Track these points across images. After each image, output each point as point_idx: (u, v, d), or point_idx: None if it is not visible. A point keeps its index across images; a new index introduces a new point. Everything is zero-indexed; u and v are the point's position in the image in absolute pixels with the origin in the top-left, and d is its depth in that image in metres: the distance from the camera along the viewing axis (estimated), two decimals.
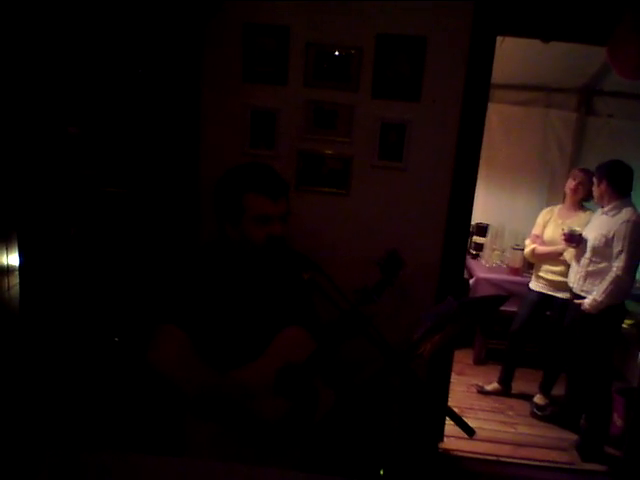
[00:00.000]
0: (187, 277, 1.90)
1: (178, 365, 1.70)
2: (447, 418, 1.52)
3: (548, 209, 4.03)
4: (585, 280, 3.34)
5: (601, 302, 3.15)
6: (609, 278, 3.14)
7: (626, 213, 3.17)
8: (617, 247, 3.14)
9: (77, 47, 2.27)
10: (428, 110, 2.65)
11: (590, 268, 3.30)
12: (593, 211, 3.62)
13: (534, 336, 4.10)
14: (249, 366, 1.76)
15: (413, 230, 2.75)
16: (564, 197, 3.99)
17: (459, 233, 2.79)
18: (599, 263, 3.25)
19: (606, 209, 3.31)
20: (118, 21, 2.25)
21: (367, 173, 2.72)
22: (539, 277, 3.91)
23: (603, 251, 3.22)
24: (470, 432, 1.44)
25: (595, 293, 3.20)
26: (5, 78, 2.34)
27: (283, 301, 1.97)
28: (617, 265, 3.12)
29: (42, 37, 2.24)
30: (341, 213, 2.75)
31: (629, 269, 3.12)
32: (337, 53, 2.62)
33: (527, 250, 3.98)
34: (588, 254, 3.32)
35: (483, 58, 2.61)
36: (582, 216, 3.71)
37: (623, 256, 3.11)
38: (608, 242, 3.19)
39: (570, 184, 3.80)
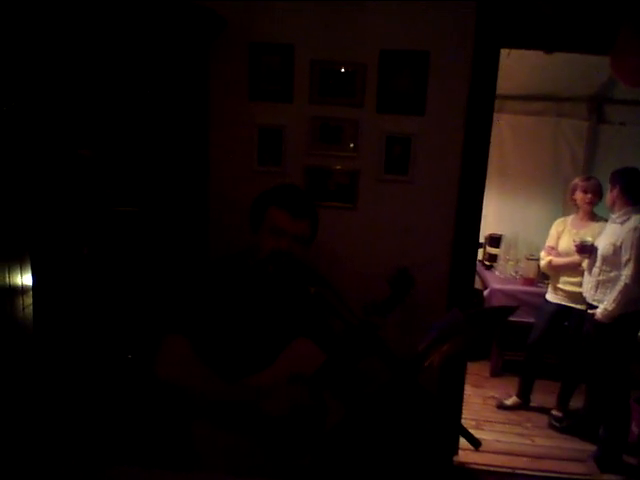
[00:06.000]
0: (196, 289, 1.94)
1: (183, 373, 1.72)
2: None
3: (561, 220, 4.00)
4: (597, 289, 3.31)
5: (612, 311, 3.13)
6: (618, 287, 3.12)
7: (634, 221, 3.15)
8: (625, 255, 3.11)
9: (86, 71, 2.33)
10: (433, 123, 2.67)
11: (601, 277, 3.28)
12: (607, 220, 3.60)
13: (552, 347, 4.06)
14: (257, 376, 1.77)
15: (421, 243, 2.76)
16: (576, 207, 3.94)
17: (468, 245, 2.80)
18: (609, 272, 3.23)
19: (615, 216, 3.30)
20: (125, 43, 2.30)
21: (374, 187, 2.74)
22: (557, 289, 3.86)
23: (612, 260, 3.20)
24: (476, 444, 1.44)
25: (606, 302, 3.18)
26: (18, 105, 2.40)
27: (291, 314, 1.99)
28: (625, 273, 3.10)
29: (52, 63, 2.30)
30: (349, 227, 2.77)
31: (638, 277, 3.08)
32: (341, 70, 2.65)
33: (543, 263, 3.94)
34: (598, 263, 3.30)
35: (486, 70, 2.63)
36: (595, 226, 3.68)
37: (631, 264, 3.08)
38: (617, 250, 3.17)
39: (576, 198, 3.80)
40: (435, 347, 1.75)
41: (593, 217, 3.77)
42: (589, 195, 3.72)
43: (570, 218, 3.93)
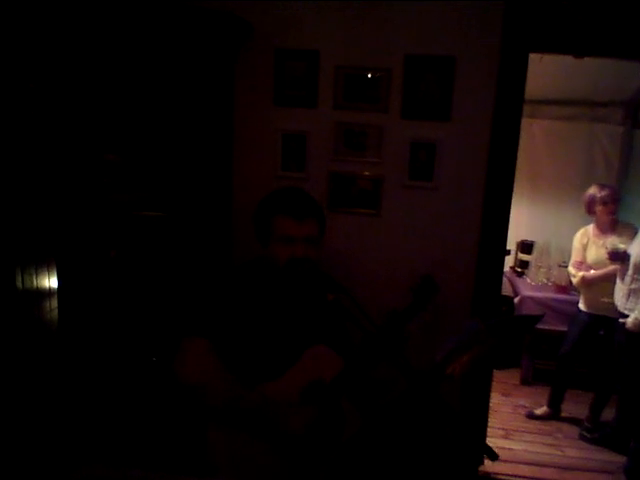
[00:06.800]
0: (217, 293, 1.94)
1: (204, 375, 1.72)
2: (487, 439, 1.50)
3: (581, 231, 3.90)
4: (628, 298, 3.22)
5: None
6: None
7: None
8: None
9: (113, 77, 2.36)
10: (458, 129, 2.63)
11: (633, 285, 3.19)
12: (631, 225, 3.55)
13: (585, 357, 3.97)
14: (275, 382, 1.77)
15: (445, 250, 2.72)
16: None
17: (494, 252, 2.75)
18: None
19: None
20: (155, 50, 2.33)
21: (398, 193, 2.71)
22: (598, 302, 3.72)
23: None
24: (493, 456, 1.42)
25: (637, 311, 3.09)
26: (44, 111, 2.45)
27: (309, 321, 1.98)
28: None
29: (78, 68, 2.34)
30: (372, 233, 2.75)
31: None
32: (366, 75, 2.64)
33: (576, 280, 3.82)
34: (630, 271, 3.21)
35: (514, 76, 2.58)
36: (621, 231, 3.62)
37: None
38: None
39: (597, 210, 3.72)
40: (455, 357, 1.73)
41: (615, 223, 3.69)
42: (610, 205, 3.64)
43: (590, 228, 3.84)
